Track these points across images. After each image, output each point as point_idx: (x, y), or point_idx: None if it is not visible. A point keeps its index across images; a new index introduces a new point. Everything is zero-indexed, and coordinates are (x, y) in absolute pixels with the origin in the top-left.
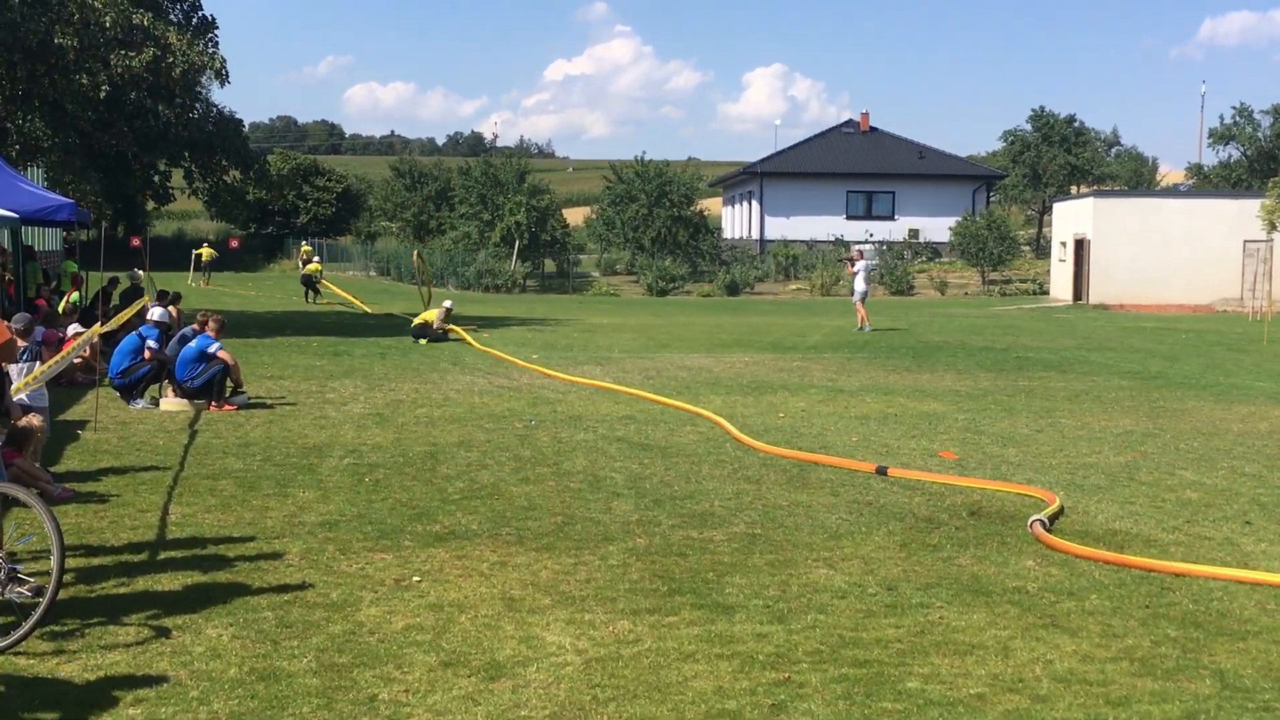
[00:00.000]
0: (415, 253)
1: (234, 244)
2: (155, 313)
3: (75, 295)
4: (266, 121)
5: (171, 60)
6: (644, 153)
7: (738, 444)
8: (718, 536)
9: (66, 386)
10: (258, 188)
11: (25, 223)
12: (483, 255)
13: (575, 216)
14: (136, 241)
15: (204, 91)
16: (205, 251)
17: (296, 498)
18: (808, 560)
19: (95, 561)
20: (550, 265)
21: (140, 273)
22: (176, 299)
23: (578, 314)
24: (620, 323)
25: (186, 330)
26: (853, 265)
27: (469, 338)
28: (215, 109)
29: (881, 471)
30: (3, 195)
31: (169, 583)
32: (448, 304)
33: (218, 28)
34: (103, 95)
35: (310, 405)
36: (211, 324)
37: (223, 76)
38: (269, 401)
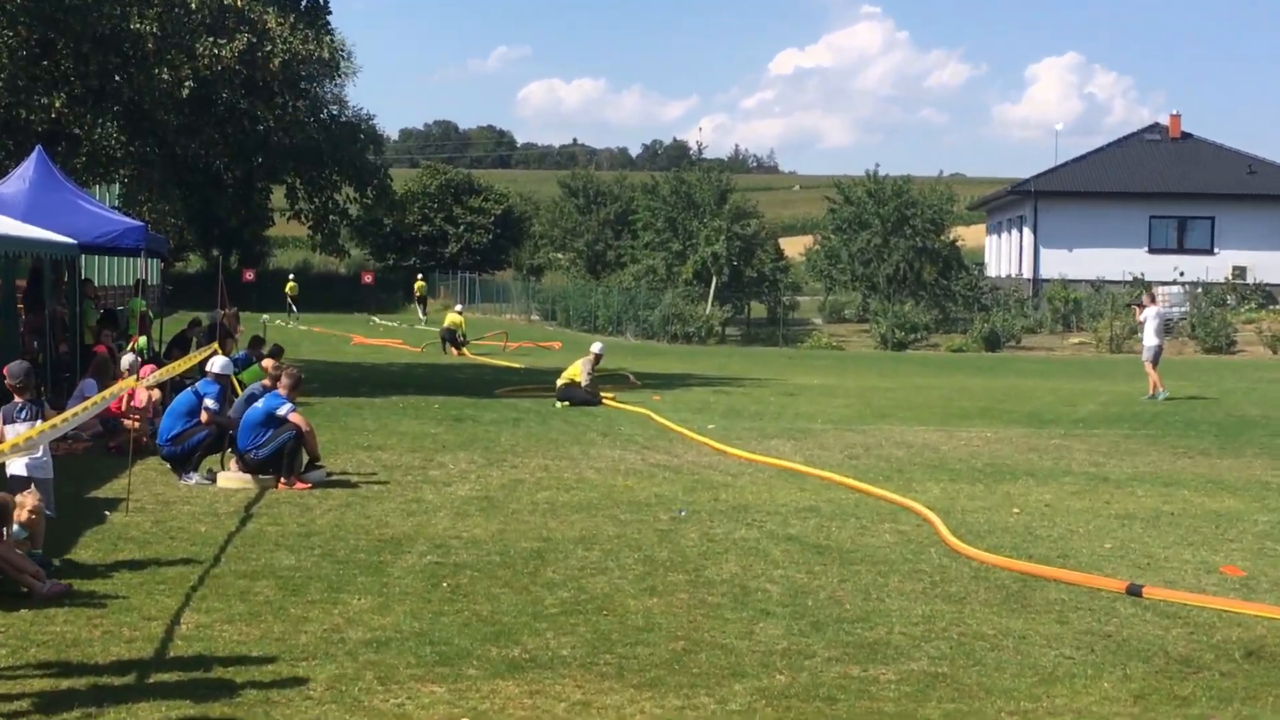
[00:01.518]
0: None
1: (366, 278)
2: (216, 363)
3: (142, 341)
4: (421, 128)
5: (270, 49)
6: (876, 166)
7: (946, 549)
8: (886, 675)
9: (116, 455)
10: (375, 208)
11: (85, 250)
12: (670, 296)
13: (796, 247)
14: (249, 275)
15: (313, 88)
16: (289, 286)
17: (347, 606)
18: (999, 713)
19: (65, 684)
20: (758, 309)
21: (222, 312)
22: (277, 352)
23: (783, 372)
24: (835, 384)
25: (255, 387)
26: (1141, 311)
27: (620, 403)
28: (327, 110)
29: (1134, 591)
30: (60, 216)
31: (146, 717)
32: (596, 348)
33: (330, 12)
34: (186, 93)
35: (405, 485)
36: (284, 380)
37: (334, 68)
38: (354, 479)
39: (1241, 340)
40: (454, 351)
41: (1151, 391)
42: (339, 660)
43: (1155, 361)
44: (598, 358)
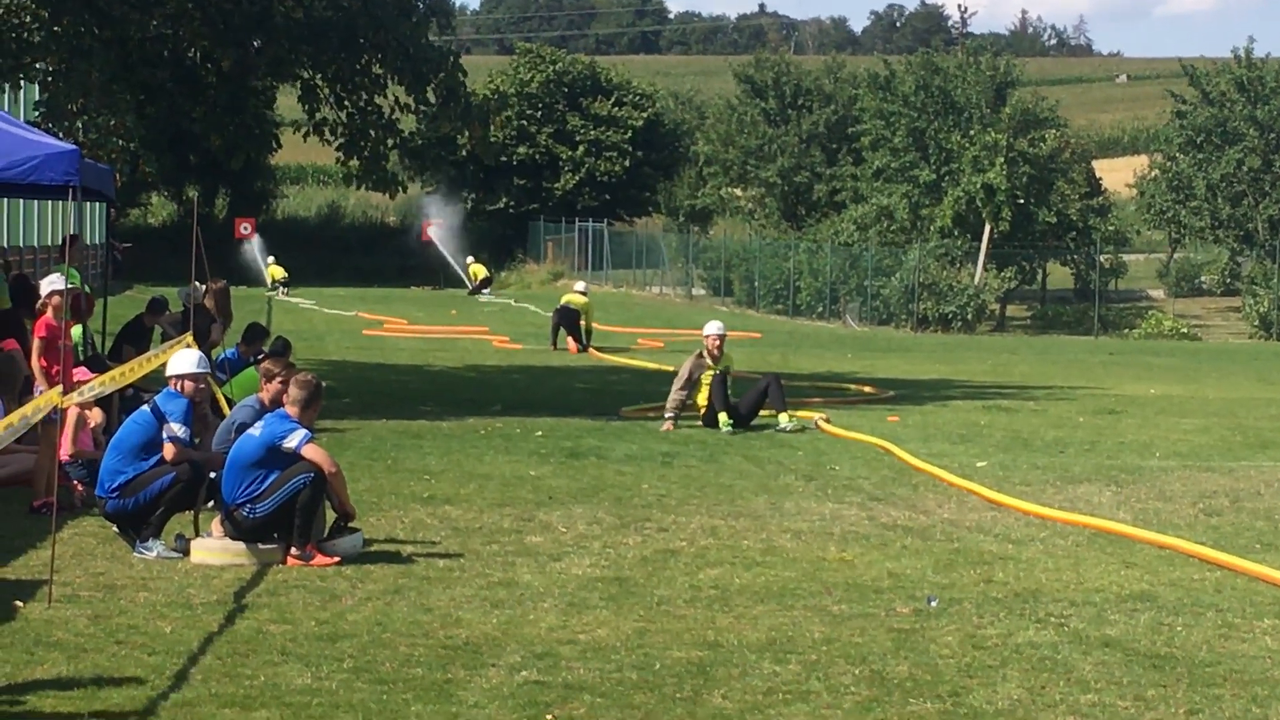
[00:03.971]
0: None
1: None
2: (183, 361)
3: (76, 331)
4: None
5: None
6: (1250, 41)
7: None
8: None
9: (36, 514)
10: (442, 119)
11: None
12: (916, 255)
13: (1121, 175)
14: (246, 228)
15: None
16: (272, 269)
17: None
18: None
19: None
20: (1060, 276)
21: (201, 287)
22: (281, 349)
23: (1100, 377)
24: (1185, 396)
25: (248, 404)
26: None
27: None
28: None
29: None
30: None
31: None
32: (713, 329)
33: None
34: None
35: (487, 559)
36: (292, 392)
37: None
38: (407, 549)
39: None
40: (570, 346)
41: None
42: None
43: None
44: (714, 342)
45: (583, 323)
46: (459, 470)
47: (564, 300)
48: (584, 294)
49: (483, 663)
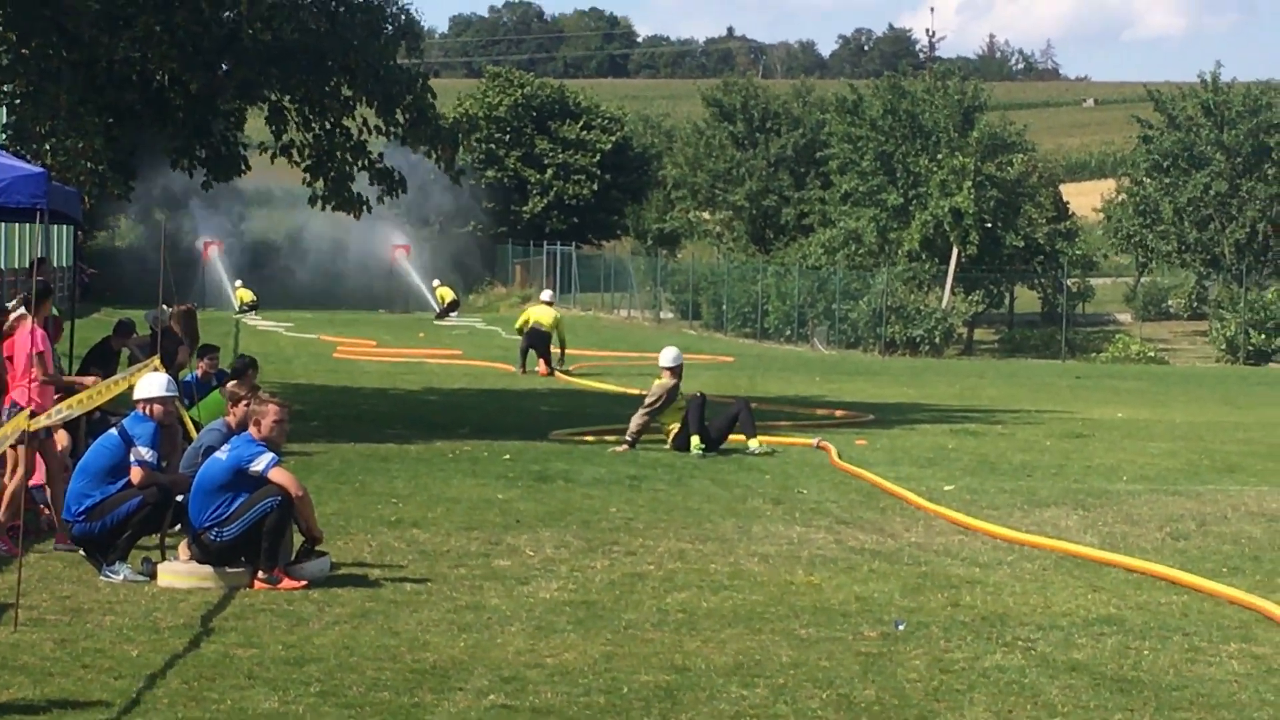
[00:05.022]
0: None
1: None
2: (150, 385)
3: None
4: (485, 15)
5: None
6: (1217, 66)
7: None
8: None
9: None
10: (411, 140)
11: None
12: (884, 278)
13: (1089, 198)
14: (211, 249)
15: None
16: (240, 293)
17: None
18: None
19: None
20: (1027, 299)
21: (169, 310)
22: (243, 369)
23: (1068, 400)
24: (1152, 419)
25: (215, 427)
26: None
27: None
28: None
29: None
30: None
31: None
32: (668, 358)
33: None
34: None
35: (455, 582)
36: (260, 415)
37: None
38: (374, 573)
39: None
40: (540, 368)
41: None
42: None
43: None
44: (669, 374)
45: (554, 345)
46: (426, 494)
47: (532, 320)
48: (550, 303)
49: (450, 686)
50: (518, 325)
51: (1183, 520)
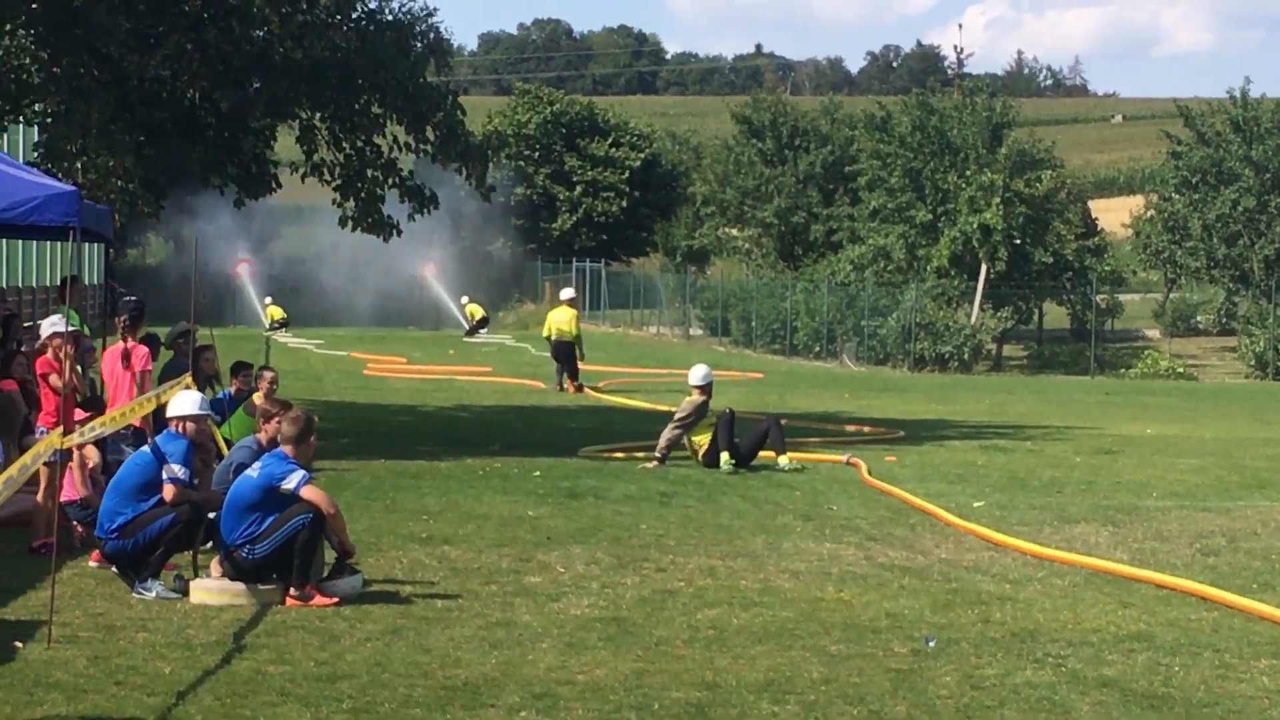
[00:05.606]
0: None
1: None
2: (184, 403)
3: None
4: (514, 32)
5: None
6: (1246, 81)
7: None
8: None
9: (38, 554)
10: (441, 157)
11: None
12: (913, 295)
13: (1118, 214)
14: (242, 266)
15: None
16: (270, 310)
17: None
18: None
19: None
20: (1056, 316)
21: (195, 329)
22: (238, 368)
23: (1097, 417)
24: (1182, 436)
25: (242, 446)
26: None
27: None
28: (363, 4)
29: None
30: None
31: None
32: (698, 375)
33: None
34: None
35: (486, 599)
36: (284, 428)
37: None
38: (406, 590)
39: None
40: (569, 386)
41: None
42: None
43: None
44: (699, 392)
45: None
46: (457, 510)
47: (554, 328)
48: (571, 300)
49: (482, 703)
50: (544, 333)
51: (1213, 536)
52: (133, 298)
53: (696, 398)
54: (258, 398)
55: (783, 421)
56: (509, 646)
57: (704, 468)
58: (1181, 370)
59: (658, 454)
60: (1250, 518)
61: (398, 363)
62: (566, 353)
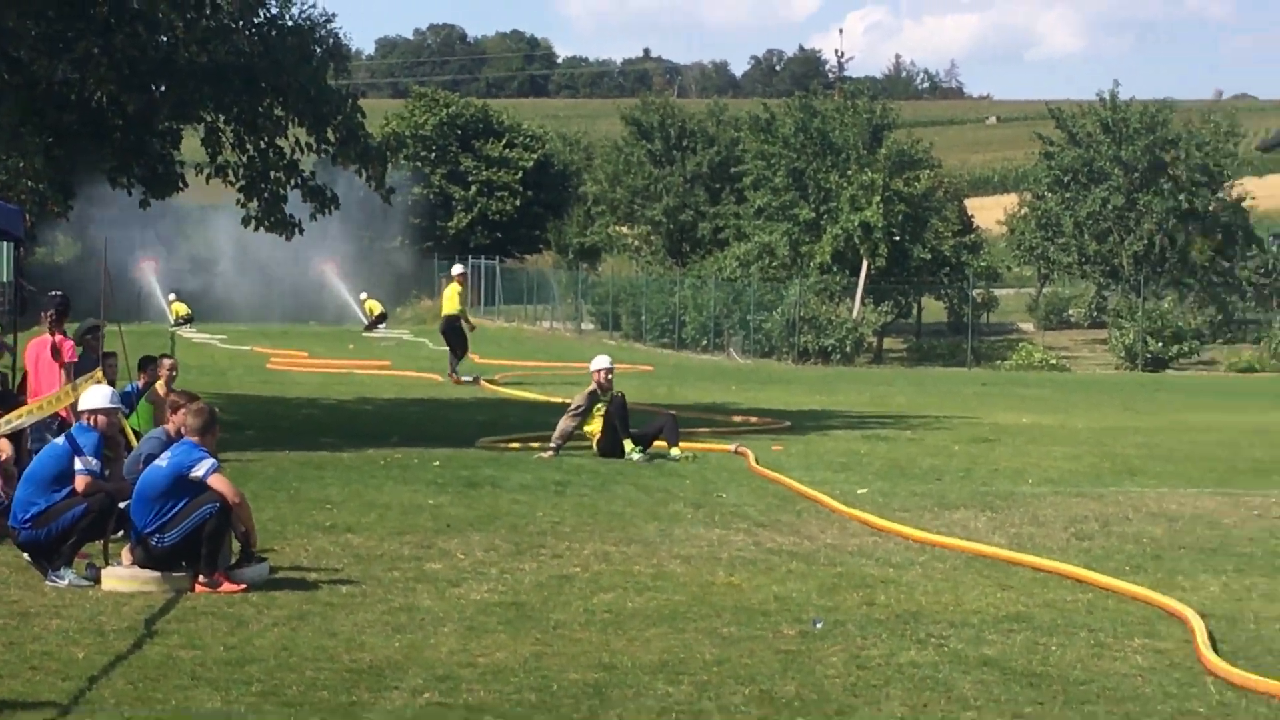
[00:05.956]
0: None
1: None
2: (95, 396)
3: None
4: (410, 37)
5: None
6: (1115, 85)
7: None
8: None
9: None
10: (341, 158)
11: None
12: (797, 290)
13: (993, 212)
14: (146, 264)
15: None
16: (175, 306)
17: None
18: None
19: None
20: (934, 310)
21: (100, 325)
22: (145, 363)
23: (975, 407)
24: (1055, 425)
25: (151, 437)
26: None
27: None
28: (265, 9)
29: None
30: None
31: None
32: (604, 362)
33: None
34: None
35: (389, 585)
36: (189, 420)
37: None
38: (311, 576)
39: None
40: (452, 376)
41: None
42: None
43: None
44: (604, 376)
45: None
46: (359, 500)
47: (444, 311)
48: (460, 275)
49: (386, 685)
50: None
51: (1086, 521)
52: (57, 292)
53: (592, 386)
54: (159, 385)
55: (675, 414)
56: (412, 630)
57: (600, 457)
58: (1054, 362)
59: (553, 444)
60: (1122, 503)
61: (300, 357)
62: (450, 329)
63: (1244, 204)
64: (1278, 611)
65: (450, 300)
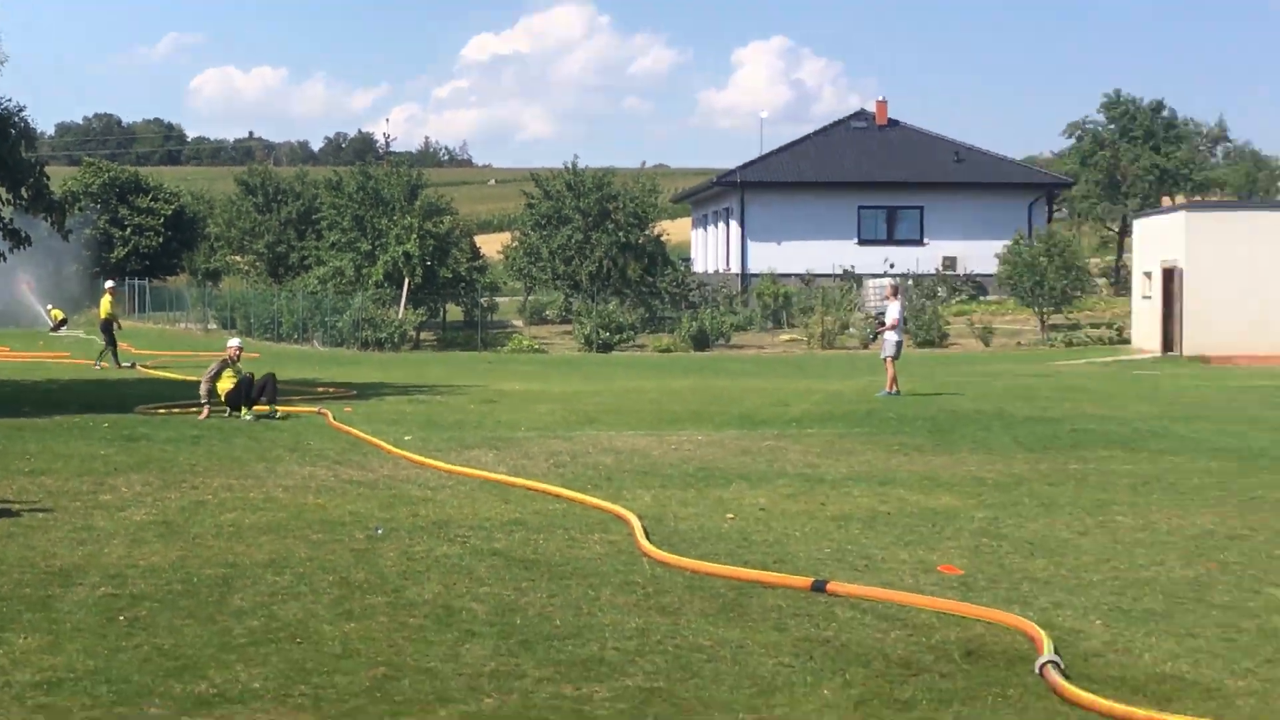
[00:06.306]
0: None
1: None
2: None
3: None
4: (80, 122)
5: None
6: (575, 157)
7: (659, 560)
8: (600, 693)
9: None
10: (33, 211)
11: None
12: (360, 299)
13: (494, 245)
14: None
15: None
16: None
17: (12, 646)
18: None
19: None
20: (455, 312)
21: None
22: None
23: (483, 378)
24: (539, 390)
25: None
26: (896, 296)
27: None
28: None
29: (818, 587)
30: None
31: None
32: (235, 342)
33: None
34: None
35: (73, 511)
36: None
37: None
38: (15, 507)
39: (954, 333)
40: (102, 363)
41: (889, 388)
42: (4, 706)
43: (896, 357)
44: (237, 353)
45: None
46: (50, 452)
47: (101, 314)
48: (111, 290)
49: (73, 583)
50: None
51: (561, 455)
52: None
53: (224, 356)
54: None
55: (274, 373)
56: (90, 544)
57: (228, 406)
58: (538, 347)
59: (202, 401)
60: (584, 441)
61: (2, 350)
62: (105, 329)
63: (662, 238)
64: (688, 513)
65: (105, 307)
